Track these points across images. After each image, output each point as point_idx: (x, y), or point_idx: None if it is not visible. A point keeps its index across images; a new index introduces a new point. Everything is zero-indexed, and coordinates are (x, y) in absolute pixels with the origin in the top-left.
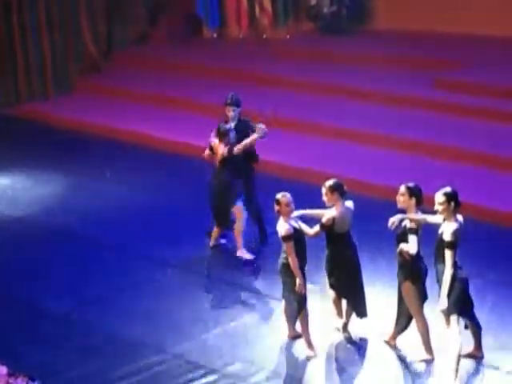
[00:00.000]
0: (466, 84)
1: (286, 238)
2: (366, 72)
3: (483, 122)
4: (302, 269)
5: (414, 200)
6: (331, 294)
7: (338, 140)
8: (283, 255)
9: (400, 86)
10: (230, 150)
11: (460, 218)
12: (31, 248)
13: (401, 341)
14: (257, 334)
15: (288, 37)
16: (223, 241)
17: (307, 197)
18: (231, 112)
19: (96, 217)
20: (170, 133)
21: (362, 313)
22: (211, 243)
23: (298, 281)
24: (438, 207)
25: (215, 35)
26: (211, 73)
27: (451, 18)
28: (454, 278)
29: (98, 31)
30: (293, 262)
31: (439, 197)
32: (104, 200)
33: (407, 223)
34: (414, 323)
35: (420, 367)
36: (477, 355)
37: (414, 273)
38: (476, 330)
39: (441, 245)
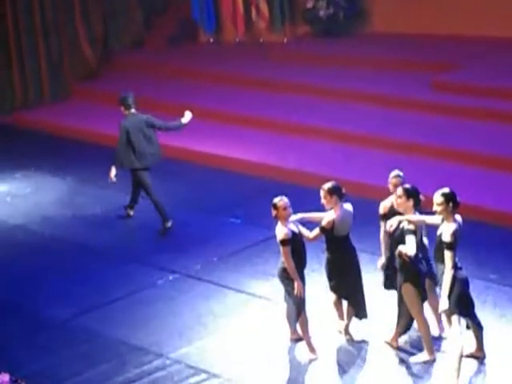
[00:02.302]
0: (463, 85)
1: (283, 242)
2: (363, 74)
3: (480, 123)
4: (301, 272)
5: (411, 201)
6: (332, 296)
7: (335, 142)
8: (282, 259)
9: (397, 88)
10: None
11: (459, 218)
12: (30, 255)
13: (402, 342)
14: (258, 337)
15: (285, 40)
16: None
17: (305, 200)
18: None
19: (95, 223)
20: (166, 137)
21: (362, 314)
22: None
23: (296, 284)
24: (436, 208)
25: (211, 39)
26: (207, 77)
27: (447, 20)
28: (454, 278)
29: (94, 36)
30: (290, 266)
31: (437, 197)
32: (103, 206)
33: (405, 225)
34: (415, 324)
35: (422, 368)
36: (478, 356)
37: (413, 274)
38: (477, 330)
39: (440, 246)
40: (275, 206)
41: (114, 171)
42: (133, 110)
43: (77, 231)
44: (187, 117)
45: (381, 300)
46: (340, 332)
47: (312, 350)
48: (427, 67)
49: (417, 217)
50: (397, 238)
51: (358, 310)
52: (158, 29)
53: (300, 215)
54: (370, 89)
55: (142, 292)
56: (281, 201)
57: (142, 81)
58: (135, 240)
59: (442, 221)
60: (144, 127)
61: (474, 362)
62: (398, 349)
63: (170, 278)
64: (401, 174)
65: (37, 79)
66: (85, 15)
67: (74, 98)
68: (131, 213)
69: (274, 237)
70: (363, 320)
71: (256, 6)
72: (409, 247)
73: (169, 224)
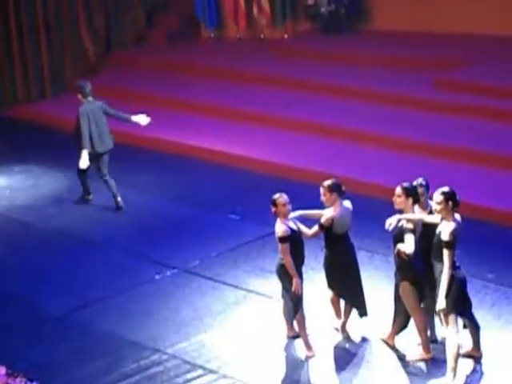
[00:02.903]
0: (465, 84)
1: (282, 239)
2: (364, 72)
3: (483, 122)
4: (299, 269)
5: (410, 200)
6: (329, 294)
7: (336, 140)
8: (280, 256)
9: (399, 85)
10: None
11: (458, 217)
12: (29, 249)
13: (399, 340)
14: (255, 333)
15: (286, 37)
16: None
17: (305, 197)
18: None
19: (94, 218)
20: (168, 133)
21: (362, 312)
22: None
23: (294, 281)
24: (435, 207)
25: (213, 35)
26: (209, 73)
27: (450, 17)
28: (452, 277)
29: (96, 32)
30: (288, 262)
31: (437, 196)
32: (102, 200)
33: (404, 223)
34: (411, 322)
35: (418, 366)
36: (475, 355)
37: (412, 273)
38: (474, 329)
39: (439, 244)
40: (274, 203)
41: (86, 154)
42: (90, 98)
43: (76, 225)
44: (140, 118)
45: (378, 298)
46: (337, 329)
47: (309, 347)
48: (429, 65)
49: (416, 216)
50: (396, 236)
51: (358, 307)
52: (159, 25)
53: (299, 212)
54: (372, 86)
55: (140, 287)
56: (280, 197)
57: (143, 77)
58: (134, 235)
59: (441, 220)
60: (101, 113)
61: (470, 362)
62: (395, 347)
63: (168, 273)
64: (423, 183)
65: (38, 74)
66: (87, 12)
67: (76, 94)
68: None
69: (273, 233)
70: (361, 318)
71: (257, 2)
72: (408, 246)
73: (119, 199)
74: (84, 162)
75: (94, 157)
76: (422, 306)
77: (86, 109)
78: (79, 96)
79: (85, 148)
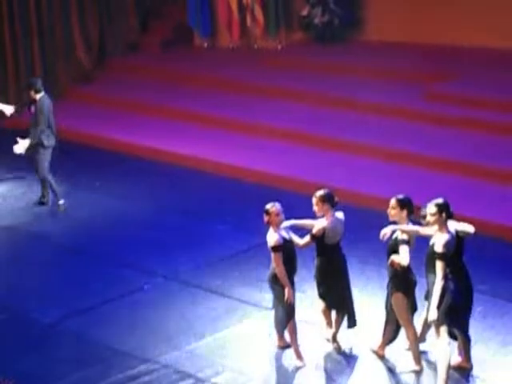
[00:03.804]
0: (456, 96)
1: (275, 249)
2: (358, 82)
3: (473, 134)
4: (291, 279)
5: (405, 211)
6: (321, 304)
7: (328, 150)
8: (272, 265)
9: (391, 96)
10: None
11: (452, 229)
12: (20, 257)
13: (389, 351)
14: (246, 343)
15: (279, 47)
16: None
17: (297, 207)
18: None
19: (85, 226)
20: (160, 141)
21: (351, 323)
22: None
23: (286, 291)
24: (429, 218)
25: (206, 44)
26: (202, 82)
27: (442, 30)
28: (444, 288)
29: (90, 39)
30: (280, 272)
31: (431, 208)
32: (93, 209)
33: (398, 234)
34: (402, 333)
35: (409, 378)
36: (466, 366)
37: (405, 284)
38: (465, 341)
39: (432, 256)
40: (268, 212)
41: (26, 144)
42: (43, 93)
43: (66, 234)
44: (6, 108)
45: (369, 308)
46: (328, 340)
47: (299, 357)
48: (421, 77)
49: (411, 227)
50: (390, 247)
51: (348, 318)
52: (153, 33)
53: (291, 222)
54: (364, 97)
55: (130, 296)
56: (273, 207)
57: (136, 84)
58: (123, 244)
59: (435, 231)
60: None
61: (461, 373)
62: (385, 357)
63: (158, 282)
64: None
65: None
66: (81, 19)
67: (68, 101)
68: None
69: (264, 243)
70: (349, 328)
71: (251, 12)
72: (403, 257)
73: (61, 202)
74: (19, 148)
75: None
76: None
77: (47, 102)
78: (32, 92)
79: (32, 139)
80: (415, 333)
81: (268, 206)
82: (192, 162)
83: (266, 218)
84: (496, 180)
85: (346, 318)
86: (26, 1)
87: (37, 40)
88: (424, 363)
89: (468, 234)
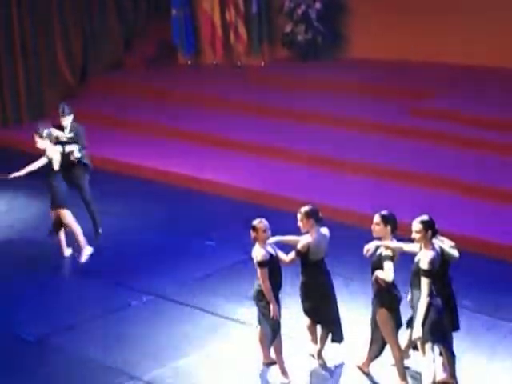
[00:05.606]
0: (442, 112)
1: (261, 264)
2: (341, 99)
3: (459, 150)
4: (276, 294)
5: (389, 228)
6: (306, 320)
7: (312, 166)
8: (258, 281)
9: (375, 113)
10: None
11: (437, 246)
12: (5, 273)
13: (374, 367)
14: (231, 360)
15: (263, 64)
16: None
17: (281, 223)
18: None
19: (70, 243)
20: (144, 158)
21: (338, 338)
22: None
23: (272, 307)
24: (414, 235)
25: (190, 62)
26: (186, 98)
27: (426, 47)
28: (429, 305)
29: (73, 57)
30: (266, 288)
31: (416, 225)
32: (79, 226)
33: (383, 251)
34: (387, 350)
35: None
36: (450, 382)
37: (389, 300)
38: (450, 357)
39: (417, 272)
40: (254, 228)
41: None
42: None
43: (52, 251)
44: None
45: (354, 325)
46: (313, 356)
47: (285, 373)
48: (404, 93)
49: (395, 244)
50: (374, 263)
51: (333, 333)
52: (137, 51)
53: (276, 238)
54: (348, 114)
55: (116, 313)
56: (260, 223)
57: (120, 102)
58: (110, 260)
59: (420, 248)
60: None
61: None
62: (370, 374)
63: (144, 299)
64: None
65: (15, 99)
66: (65, 37)
67: (52, 119)
68: None
69: (250, 259)
70: (336, 344)
71: (235, 29)
72: (387, 274)
73: None
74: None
75: None
76: None
77: None
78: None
79: None
80: (400, 349)
81: (255, 223)
82: (176, 179)
83: (252, 234)
84: (482, 196)
85: (331, 334)
86: (10, 21)
87: (20, 58)
88: (409, 379)
89: (453, 258)
